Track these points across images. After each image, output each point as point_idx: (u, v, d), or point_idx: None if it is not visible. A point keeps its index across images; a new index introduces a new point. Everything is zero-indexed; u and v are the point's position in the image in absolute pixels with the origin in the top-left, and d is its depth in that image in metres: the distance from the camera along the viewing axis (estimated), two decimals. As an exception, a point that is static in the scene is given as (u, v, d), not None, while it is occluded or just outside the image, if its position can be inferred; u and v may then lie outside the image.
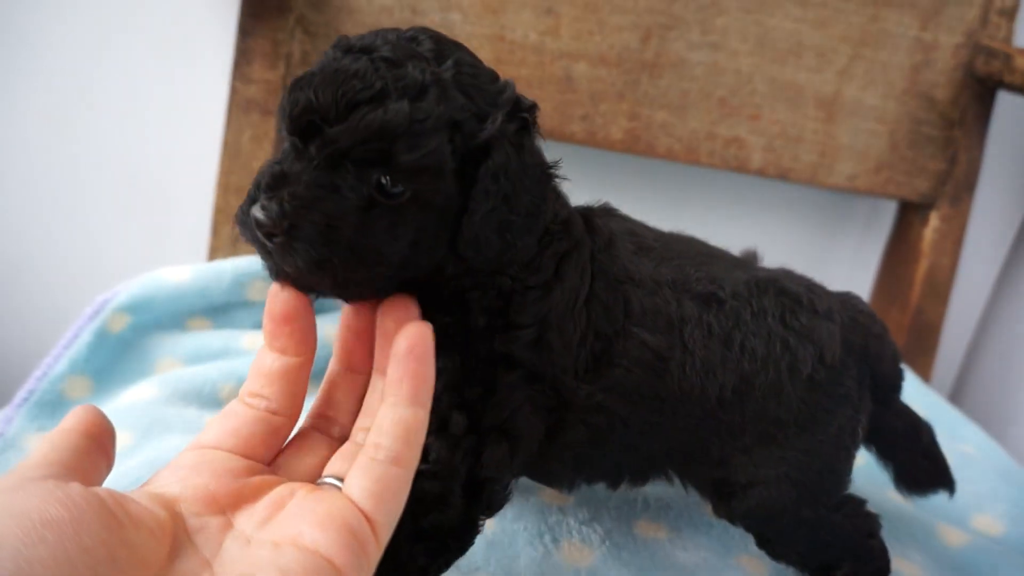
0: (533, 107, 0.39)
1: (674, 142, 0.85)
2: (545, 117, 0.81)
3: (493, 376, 0.40)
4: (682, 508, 0.58)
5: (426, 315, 0.38)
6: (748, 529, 0.49)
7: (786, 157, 0.88)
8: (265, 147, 0.77)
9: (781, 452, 0.46)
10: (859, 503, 0.50)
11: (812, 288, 0.48)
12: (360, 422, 0.38)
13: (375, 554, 0.33)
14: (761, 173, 0.88)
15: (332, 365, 0.40)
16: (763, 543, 0.50)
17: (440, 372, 0.37)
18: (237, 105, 0.74)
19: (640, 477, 0.50)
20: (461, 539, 0.43)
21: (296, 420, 0.38)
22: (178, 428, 0.57)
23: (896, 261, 0.96)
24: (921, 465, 0.52)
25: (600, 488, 0.57)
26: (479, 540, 0.44)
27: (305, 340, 0.37)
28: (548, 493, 0.57)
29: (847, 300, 0.51)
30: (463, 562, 0.48)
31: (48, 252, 0.87)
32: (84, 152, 0.84)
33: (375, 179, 0.35)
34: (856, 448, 0.50)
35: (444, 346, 0.37)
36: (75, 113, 0.83)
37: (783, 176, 0.89)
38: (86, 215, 0.86)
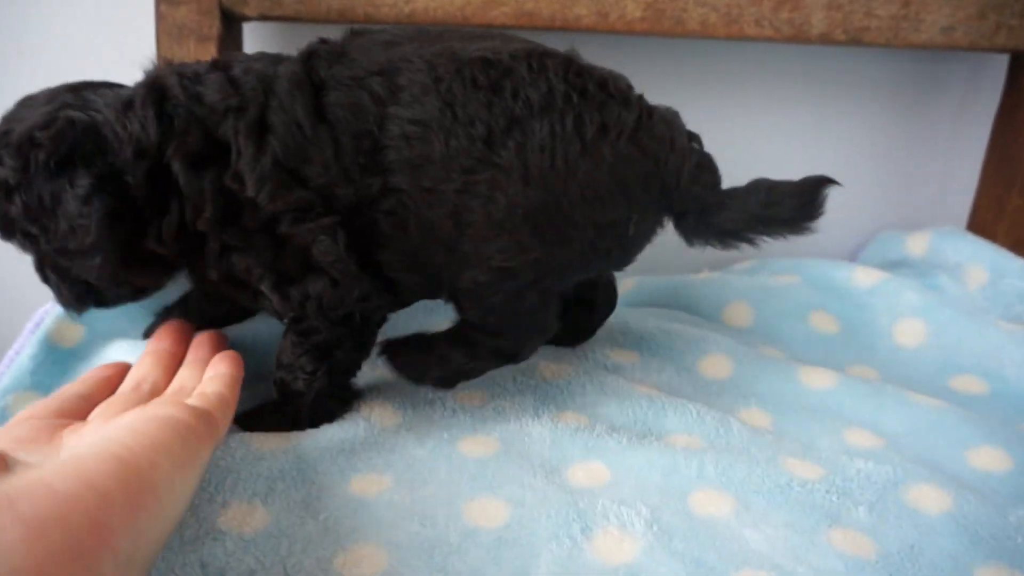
0: (35, 138, 0.44)
1: (709, 12, 0.69)
2: (542, 1, 0.67)
3: (272, 238, 0.46)
4: (750, 469, 0.47)
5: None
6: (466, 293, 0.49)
7: (857, 14, 0.71)
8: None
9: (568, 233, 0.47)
10: (560, 299, 0.51)
11: (616, 77, 0.48)
12: (172, 387, 0.47)
13: (220, 436, 0.41)
14: (825, 40, 0.72)
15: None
16: (461, 305, 0.50)
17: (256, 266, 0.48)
18: (167, 33, 0.62)
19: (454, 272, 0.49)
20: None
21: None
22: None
23: (1010, 134, 0.80)
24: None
25: (643, 457, 0.47)
26: (485, 538, 0.41)
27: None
28: (582, 471, 0.47)
29: (667, 113, 0.50)
30: (464, 568, 0.39)
31: None
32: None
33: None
34: (618, 253, 0.51)
35: (237, 249, 0.48)
36: None
37: (855, 40, 0.72)
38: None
